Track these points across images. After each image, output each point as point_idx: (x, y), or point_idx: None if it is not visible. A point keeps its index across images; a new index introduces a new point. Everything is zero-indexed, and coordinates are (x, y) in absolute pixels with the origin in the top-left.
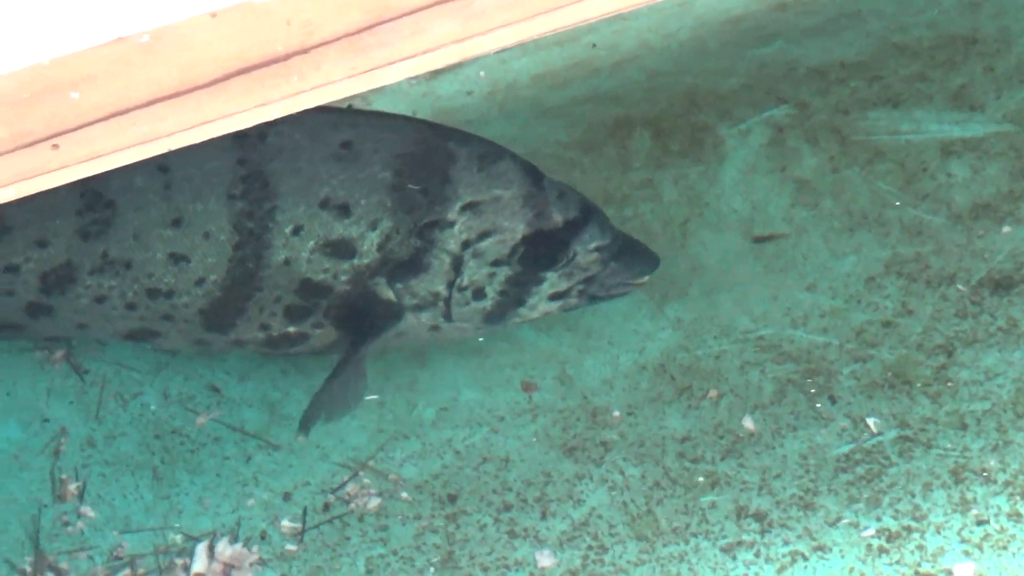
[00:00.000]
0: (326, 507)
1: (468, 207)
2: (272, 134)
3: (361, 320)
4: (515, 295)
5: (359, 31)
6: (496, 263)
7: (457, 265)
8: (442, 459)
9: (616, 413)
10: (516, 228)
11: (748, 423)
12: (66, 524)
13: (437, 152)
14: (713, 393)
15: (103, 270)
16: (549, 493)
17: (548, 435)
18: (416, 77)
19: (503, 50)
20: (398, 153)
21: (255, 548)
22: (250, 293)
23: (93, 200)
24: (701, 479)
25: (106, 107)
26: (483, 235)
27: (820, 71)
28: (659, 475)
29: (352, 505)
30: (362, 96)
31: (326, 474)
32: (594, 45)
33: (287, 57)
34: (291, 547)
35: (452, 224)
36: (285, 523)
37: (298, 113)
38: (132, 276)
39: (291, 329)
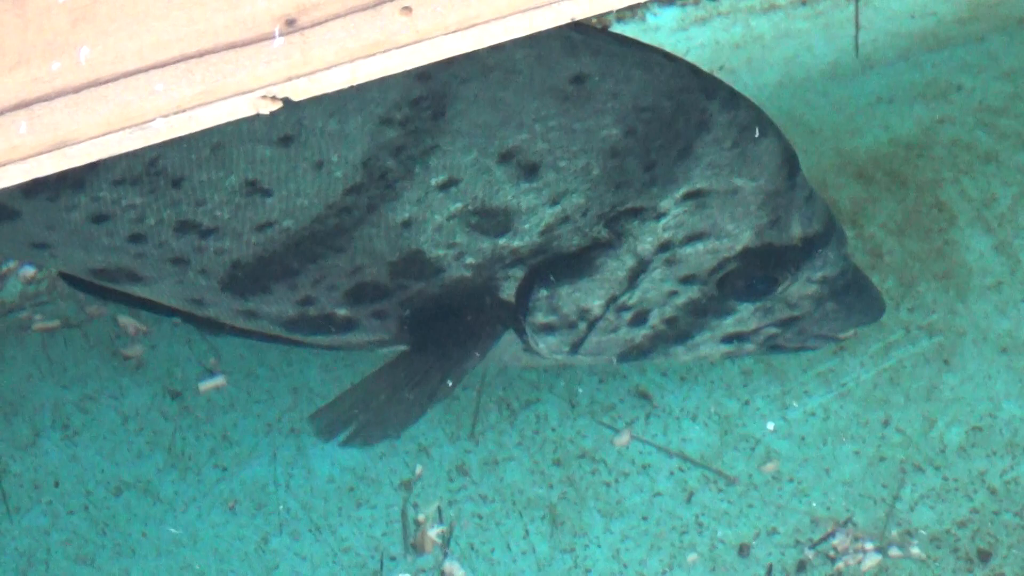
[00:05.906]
0: (801, 567)
1: (692, 196)
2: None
3: (448, 323)
4: (683, 327)
5: None
6: (688, 279)
7: (635, 275)
8: (971, 500)
9: None
10: (740, 235)
11: None
12: None
13: (691, 112)
14: None
15: (135, 183)
16: None
17: None
18: None
19: None
20: (640, 104)
21: None
22: (322, 254)
23: None
24: None
25: None
26: (692, 238)
27: None
28: None
29: (840, 564)
30: None
31: (801, 519)
32: None
33: None
34: None
35: (661, 216)
36: None
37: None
38: (170, 199)
39: (340, 312)
